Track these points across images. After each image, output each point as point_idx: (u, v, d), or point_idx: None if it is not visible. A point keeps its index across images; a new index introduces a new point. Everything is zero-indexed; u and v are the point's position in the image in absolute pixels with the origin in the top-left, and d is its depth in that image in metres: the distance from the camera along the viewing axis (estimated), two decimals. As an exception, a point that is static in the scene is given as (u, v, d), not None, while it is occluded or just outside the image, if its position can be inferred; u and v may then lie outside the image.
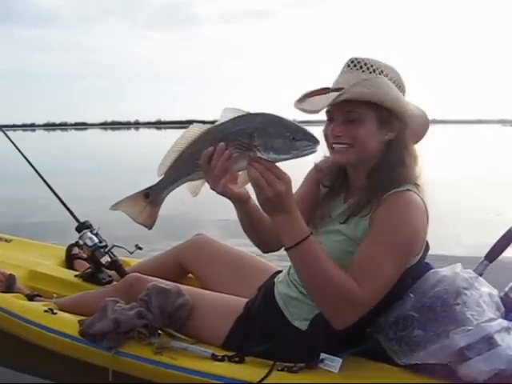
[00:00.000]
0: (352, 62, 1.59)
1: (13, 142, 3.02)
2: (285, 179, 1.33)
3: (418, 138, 1.70)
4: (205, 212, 5.58)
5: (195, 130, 1.39)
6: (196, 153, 1.36)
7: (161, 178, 1.41)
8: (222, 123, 1.35)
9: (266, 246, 1.83)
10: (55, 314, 2.06)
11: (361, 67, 1.57)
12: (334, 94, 1.53)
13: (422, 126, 1.68)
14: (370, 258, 1.49)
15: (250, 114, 1.34)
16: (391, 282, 1.52)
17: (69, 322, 2.00)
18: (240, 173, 1.41)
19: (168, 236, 4.16)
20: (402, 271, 1.55)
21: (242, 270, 2.13)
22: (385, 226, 1.52)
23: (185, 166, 1.40)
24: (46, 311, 2.07)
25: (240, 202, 1.54)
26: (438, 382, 1.58)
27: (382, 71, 1.57)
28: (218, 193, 1.38)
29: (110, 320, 1.85)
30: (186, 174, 1.42)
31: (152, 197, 1.46)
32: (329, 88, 1.64)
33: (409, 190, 1.56)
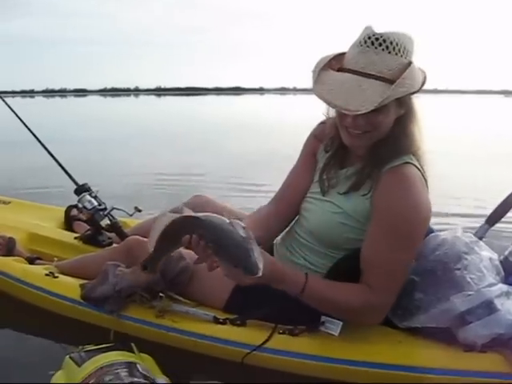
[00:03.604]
0: (377, 39, 1.44)
1: (10, 107, 3.00)
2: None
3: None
4: (202, 174, 5.60)
5: (169, 216, 1.45)
6: (177, 236, 1.44)
7: (152, 250, 1.50)
8: (194, 218, 1.41)
9: None
10: (56, 277, 2.06)
11: (387, 47, 1.43)
12: (352, 78, 1.45)
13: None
14: (381, 258, 1.52)
15: (210, 220, 1.37)
16: (406, 273, 1.59)
17: (70, 286, 2.00)
18: None
19: (167, 197, 4.17)
20: (415, 254, 1.59)
21: None
22: (389, 217, 1.52)
23: (171, 242, 1.48)
24: (47, 275, 2.06)
25: None
26: (437, 345, 1.60)
27: (405, 48, 1.46)
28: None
29: (112, 284, 1.86)
30: (173, 247, 1.51)
31: (149, 268, 1.60)
32: (343, 53, 1.54)
33: (407, 162, 1.54)
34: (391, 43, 1.44)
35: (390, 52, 1.44)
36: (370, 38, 1.45)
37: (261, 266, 1.28)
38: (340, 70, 1.51)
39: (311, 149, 1.81)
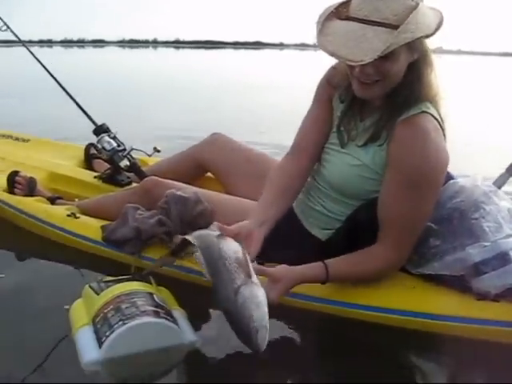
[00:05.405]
0: None
1: (32, 53, 3.00)
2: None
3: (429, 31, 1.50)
4: (219, 122, 5.59)
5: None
6: None
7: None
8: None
9: None
10: (78, 218, 2.09)
11: None
12: (357, 27, 1.40)
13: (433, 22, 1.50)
14: (397, 211, 1.53)
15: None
16: (423, 224, 1.60)
17: (92, 227, 2.04)
18: None
19: (184, 139, 4.17)
20: (432, 206, 1.58)
21: (262, 171, 2.07)
22: (403, 169, 1.51)
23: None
24: (68, 215, 2.09)
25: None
26: (450, 292, 1.63)
27: None
28: None
29: (132, 227, 1.89)
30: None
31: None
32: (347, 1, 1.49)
33: (423, 111, 1.51)
34: None
35: None
36: None
37: (264, 343, 1.26)
38: (345, 18, 1.46)
39: (326, 95, 1.76)
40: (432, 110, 1.53)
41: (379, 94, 1.55)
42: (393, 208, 1.54)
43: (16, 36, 3.08)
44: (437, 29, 1.47)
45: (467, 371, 1.53)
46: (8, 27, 3.01)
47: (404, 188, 1.52)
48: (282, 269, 1.52)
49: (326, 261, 1.56)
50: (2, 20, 3.01)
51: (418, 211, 1.55)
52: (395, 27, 1.37)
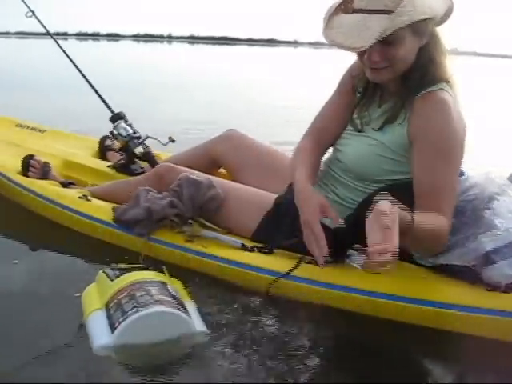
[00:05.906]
0: None
1: (57, 43, 3.02)
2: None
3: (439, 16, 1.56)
4: (234, 113, 5.60)
5: None
6: None
7: None
8: None
9: None
10: (89, 200, 2.10)
11: None
12: (359, 17, 1.46)
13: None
14: (433, 184, 1.53)
15: None
16: (457, 190, 1.60)
17: (103, 209, 2.04)
18: None
19: (199, 133, 4.17)
20: (459, 171, 1.60)
21: (273, 167, 2.13)
22: (430, 139, 1.53)
23: None
24: (80, 198, 2.11)
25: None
26: (461, 283, 1.62)
27: None
28: None
29: (143, 208, 1.89)
30: None
31: None
32: None
33: (441, 88, 1.55)
34: None
35: None
36: None
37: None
38: (351, 12, 1.52)
39: (349, 86, 1.80)
40: (449, 90, 1.57)
41: (390, 77, 1.59)
42: (426, 179, 1.55)
43: (42, 24, 3.09)
44: (446, 15, 1.54)
45: (475, 367, 1.52)
46: (33, 14, 3.01)
47: (432, 156, 1.54)
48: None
49: None
50: (27, 6, 3.02)
51: (449, 177, 1.55)
52: (393, 12, 1.42)
